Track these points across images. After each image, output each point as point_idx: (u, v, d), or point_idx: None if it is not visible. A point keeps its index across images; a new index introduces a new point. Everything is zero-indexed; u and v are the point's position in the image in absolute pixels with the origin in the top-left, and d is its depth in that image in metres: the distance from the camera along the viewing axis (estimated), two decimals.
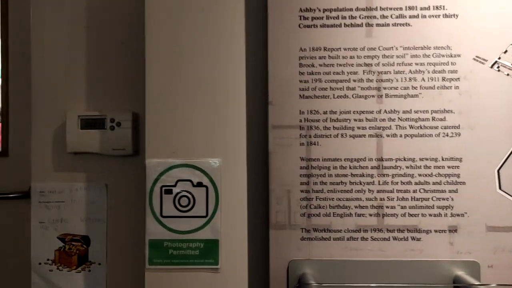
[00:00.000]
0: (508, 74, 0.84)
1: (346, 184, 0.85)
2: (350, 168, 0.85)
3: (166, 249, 0.89)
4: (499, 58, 0.84)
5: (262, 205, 0.88)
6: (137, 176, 0.98)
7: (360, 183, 0.84)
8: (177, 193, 0.89)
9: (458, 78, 0.85)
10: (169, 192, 0.90)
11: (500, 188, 0.84)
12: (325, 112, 0.85)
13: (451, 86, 0.84)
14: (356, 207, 0.84)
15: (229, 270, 0.88)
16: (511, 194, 0.84)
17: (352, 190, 0.84)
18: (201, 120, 0.89)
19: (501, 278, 0.82)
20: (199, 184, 0.90)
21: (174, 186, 0.89)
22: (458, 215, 0.84)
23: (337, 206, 0.85)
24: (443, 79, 0.85)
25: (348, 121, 0.85)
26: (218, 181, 0.88)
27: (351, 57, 0.85)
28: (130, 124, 1.01)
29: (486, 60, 0.85)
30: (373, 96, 0.85)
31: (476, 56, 0.85)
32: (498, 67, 0.84)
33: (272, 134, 0.85)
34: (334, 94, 0.85)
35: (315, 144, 0.85)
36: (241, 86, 0.88)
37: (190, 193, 0.89)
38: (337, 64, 0.85)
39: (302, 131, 0.85)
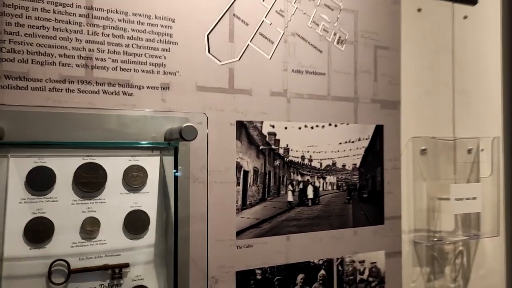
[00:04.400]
0: None
1: (49, 29, 0.76)
2: (54, 12, 0.77)
3: None
4: None
5: None
6: None
7: (67, 31, 0.78)
8: None
9: None
10: None
11: (209, 51, 0.92)
12: None
13: None
14: (60, 55, 0.77)
15: None
16: (217, 58, 0.93)
17: (56, 36, 0.77)
18: None
19: (211, 133, 0.91)
20: None
21: None
22: (170, 73, 0.88)
23: (37, 52, 0.76)
24: None
25: None
26: None
27: None
28: None
29: None
30: None
31: None
32: None
33: None
34: None
35: None
36: None
37: None
38: None
39: None
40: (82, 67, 0.79)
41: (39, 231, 0.71)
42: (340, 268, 1.07)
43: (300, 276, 1.01)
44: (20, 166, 0.72)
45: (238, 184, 0.95)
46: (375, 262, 1.13)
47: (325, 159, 1.07)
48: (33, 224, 0.71)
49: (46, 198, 0.73)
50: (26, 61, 0.75)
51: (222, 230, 0.92)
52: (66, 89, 0.78)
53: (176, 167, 0.77)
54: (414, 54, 1.27)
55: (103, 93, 0.81)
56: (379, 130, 1.14)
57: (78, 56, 0.79)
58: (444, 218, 1.32)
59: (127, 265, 0.75)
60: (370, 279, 1.11)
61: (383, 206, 1.15)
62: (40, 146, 0.74)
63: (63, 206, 0.74)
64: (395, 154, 1.18)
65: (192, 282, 0.87)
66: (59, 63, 0.77)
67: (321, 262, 1.04)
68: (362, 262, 1.11)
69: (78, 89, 0.79)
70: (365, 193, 1.12)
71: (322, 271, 1.04)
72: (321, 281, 1.04)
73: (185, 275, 0.85)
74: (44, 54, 0.76)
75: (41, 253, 0.71)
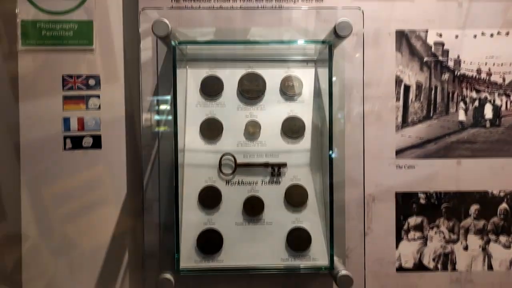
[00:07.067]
0: None
1: None
2: None
3: (39, 30, 0.88)
4: None
5: None
6: None
7: None
8: None
9: None
10: None
11: None
12: None
13: None
14: None
15: (104, 50, 0.88)
16: None
17: None
18: None
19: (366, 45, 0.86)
20: None
21: None
22: None
23: None
24: None
25: None
26: None
27: None
28: None
29: None
30: None
31: None
32: None
33: None
34: None
35: None
36: None
37: None
38: None
39: None
40: None
41: (211, 129, 0.81)
42: None
43: (474, 207, 0.88)
44: (195, 75, 0.83)
45: (397, 99, 0.88)
46: None
47: (509, 72, 0.88)
48: (206, 123, 0.81)
49: (216, 103, 0.82)
50: None
51: (380, 147, 0.87)
52: (230, 7, 0.86)
53: (330, 69, 0.75)
54: None
55: (261, 8, 0.86)
56: None
57: None
58: None
59: (285, 165, 0.79)
60: None
61: None
62: (210, 59, 0.84)
63: (230, 110, 0.82)
64: None
65: (347, 196, 0.86)
66: None
67: (502, 194, 0.88)
68: None
69: (240, 6, 0.86)
70: None
71: (504, 205, 0.88)
72: (502, 216, 0.88)
73: (340, 188, 0.85)
74: None
75: (213, 148, 0.81)
